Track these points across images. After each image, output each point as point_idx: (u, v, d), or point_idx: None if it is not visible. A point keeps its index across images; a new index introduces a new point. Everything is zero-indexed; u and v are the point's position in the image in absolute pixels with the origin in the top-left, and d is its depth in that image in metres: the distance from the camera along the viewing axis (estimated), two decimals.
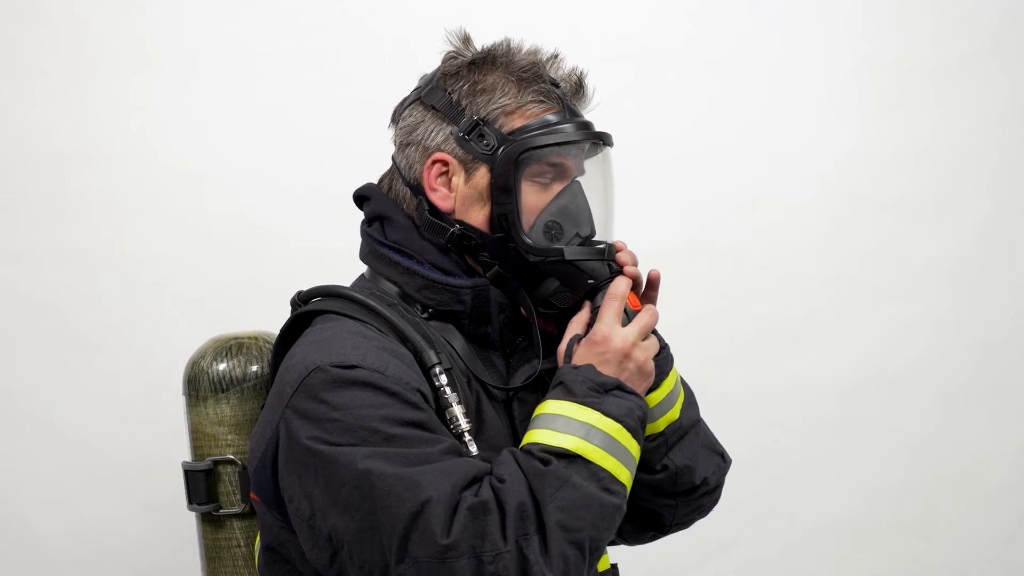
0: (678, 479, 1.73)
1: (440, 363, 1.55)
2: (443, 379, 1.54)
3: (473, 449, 1.52)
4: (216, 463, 1.77)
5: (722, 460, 1.81)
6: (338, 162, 2.61)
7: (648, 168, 2.91)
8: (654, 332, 1.66)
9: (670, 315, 2.85)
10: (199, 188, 2.67)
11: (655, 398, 1.69)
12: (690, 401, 1.78)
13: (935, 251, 3.08)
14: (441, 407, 1.54)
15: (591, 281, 1.62)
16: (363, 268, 1.74)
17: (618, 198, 1.73)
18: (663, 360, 1.70)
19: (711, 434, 1.83)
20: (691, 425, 1.75)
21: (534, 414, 1.54)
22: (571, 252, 1.61)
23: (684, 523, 1.81)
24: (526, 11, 2.83)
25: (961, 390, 3.11)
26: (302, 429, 1.47)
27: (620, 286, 1.62)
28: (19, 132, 2.60)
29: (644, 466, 1.70)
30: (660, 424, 1.70)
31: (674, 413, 1.72)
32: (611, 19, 2.93)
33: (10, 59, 2.60)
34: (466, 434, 1.53)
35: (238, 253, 2.68)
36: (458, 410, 1.53)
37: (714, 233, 2.98)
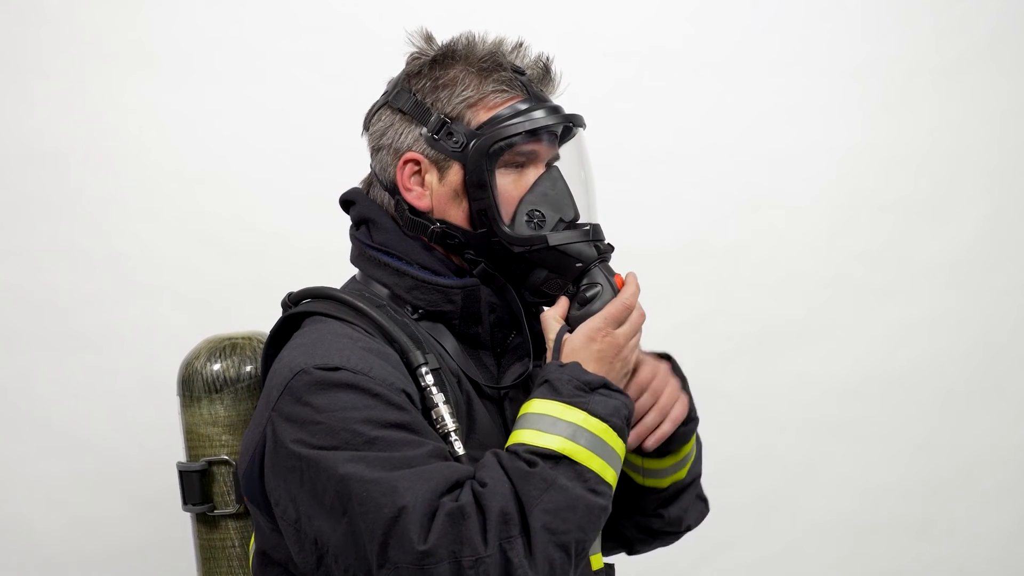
0: (668, 525, 1.80)
1: (426, 363, 1.54)
2: (429, 379, 1.53)
3: (459, 449, 1.51)
4: (210, 464, 1.78)
5: (705, 507, 1.87)
6: (337, 162, 2.57)
7: (648, 168, 2.91)
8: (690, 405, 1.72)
9: (671, 315, 2.89)
10: (198, 188, 2.67)
11: (670, 460, 1.74)
12: (698, 456, 1.82)
13: (935, 251, 3.07)
14: (427, 407, 1.53)
15: (579, 264, 1.60)
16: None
17: (597, 178, 1.72)
18: (688, 431, 1.73)
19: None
20: (692, 480, 1.80)
21: (519, 413, 1.54)
22: (555, 238, 1.59)
23: (647, 551, 1.90)
24: (526, 11, 2.82)
25: (961, 390, 3.09)
26: (287, 432, 1.47)
27: (630, 290, 1.61)
28: (18, 132, 2.60)
29: (638, 508, 1.78)
30: (665, 482, 1.75)
31: (681, 474, 1.76)
32: (610, 18, 2.92)
33: (10, 59, 2.60)
34: (452, 434, 1.52)
35: (237, 253, 2.68)
36: (444, 410, 1.53)
37: (714, 233, 2.97)
